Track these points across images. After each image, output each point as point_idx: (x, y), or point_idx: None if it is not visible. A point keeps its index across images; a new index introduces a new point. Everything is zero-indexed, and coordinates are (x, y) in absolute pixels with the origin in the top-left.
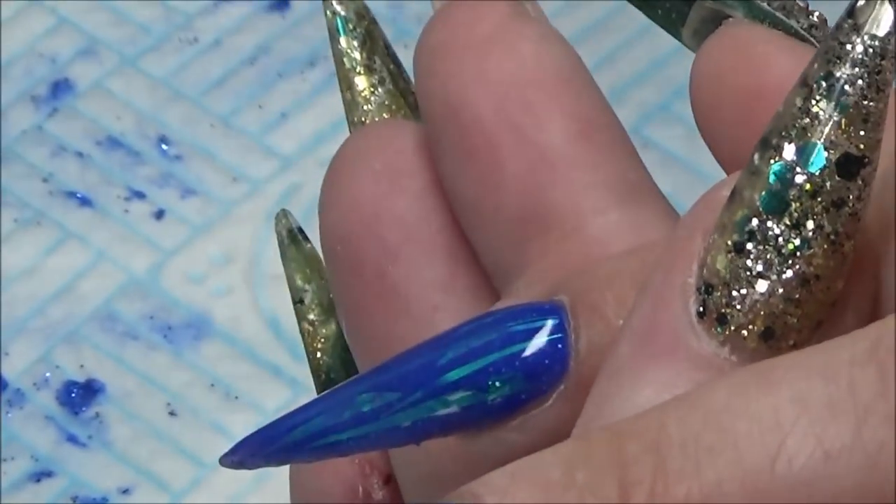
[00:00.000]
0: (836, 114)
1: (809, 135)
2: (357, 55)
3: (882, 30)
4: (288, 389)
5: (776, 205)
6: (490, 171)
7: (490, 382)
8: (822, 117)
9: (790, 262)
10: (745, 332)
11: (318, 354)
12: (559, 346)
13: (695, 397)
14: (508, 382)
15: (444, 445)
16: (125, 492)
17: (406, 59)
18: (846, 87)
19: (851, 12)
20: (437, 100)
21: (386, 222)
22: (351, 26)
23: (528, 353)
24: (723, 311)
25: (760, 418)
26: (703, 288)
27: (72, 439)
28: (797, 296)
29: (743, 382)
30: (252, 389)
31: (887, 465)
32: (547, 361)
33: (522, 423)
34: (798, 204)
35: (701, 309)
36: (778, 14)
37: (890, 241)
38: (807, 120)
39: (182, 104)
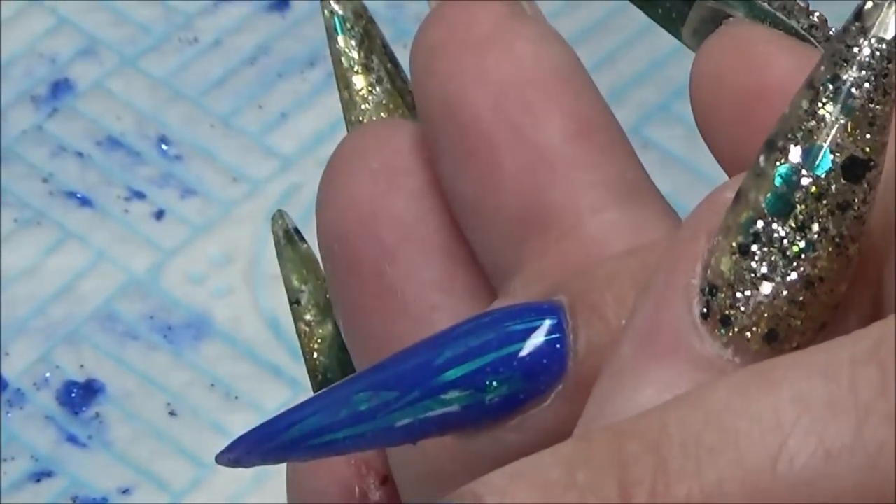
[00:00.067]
0: (842, 117)
1: (815, 137)
2: (355, 54)
3: (889, 33)
4: (288, 389)
5: (781, 207)
6: (488, 170)
7: (488, 382)
8: (828, 120)
9: (795, 264)
10: (748, 334)
11: (315, 355)
12: (557, 345)
13: (695, 397)
14: (506, 382)
15: (442, 445)
16: (125, 492)
17: (405, 58)
18: (853, 90)
19: (859, 15)
20: (435, 99)
21: (384, 222)
22: (348, 25)
23: (525, 352)
24: (726, 312)
25: (761, 418)
26: (706, 289)
27: (72, 439)
28: (801, 298)
29: (744, 382)
30: (252, 389)
31: (888, 464)
32: (545, 361)
33: (520, 423)
34: (803, 206)
35: (704, 310)
36: (778, 14)
37: (893, 244)
38: (813, 122)
39: (182, 104)
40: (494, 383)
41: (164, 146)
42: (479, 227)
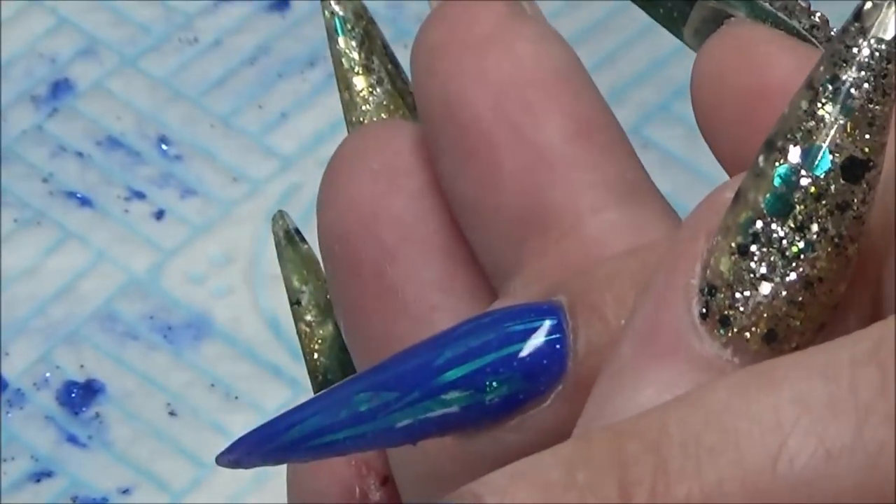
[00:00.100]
0: (841, 117)
1: (815, 138)
2: (355, 55)
3: (888, 33)
4: (288, 389)
5: (780, 207)
6: (488, 170)
7: (488, 382)
8: (827, 120)
9: (794, 264)
10: (747, 335)
11: (315, 356)
12: (557, 346)
13: (695, 397)
14: (506, 382)
15: (442, 445)
16: (125, 492)
17: (405, 58)
18: (852, 90)
19: (858, 16)
20: (435, 99)
21: (384, 222)
22: (349, 26)
23: (525, 353)
24: (726, 312)
25: (761, 418)
26: (706, 289)
27: (72, 439)
28: (800, 298)
29: (744, 383)
30: (252, 389)
31: (888, 465)
32: (545, 361)
33: (520, 424)
34: (802, 207)
35: (704, 310)
36: (780, 14)
37: (892, 244)
38: (812, 123)
39: (182, 104)
40: (494, 384)
41: (164, 146)
42: (478, 227)
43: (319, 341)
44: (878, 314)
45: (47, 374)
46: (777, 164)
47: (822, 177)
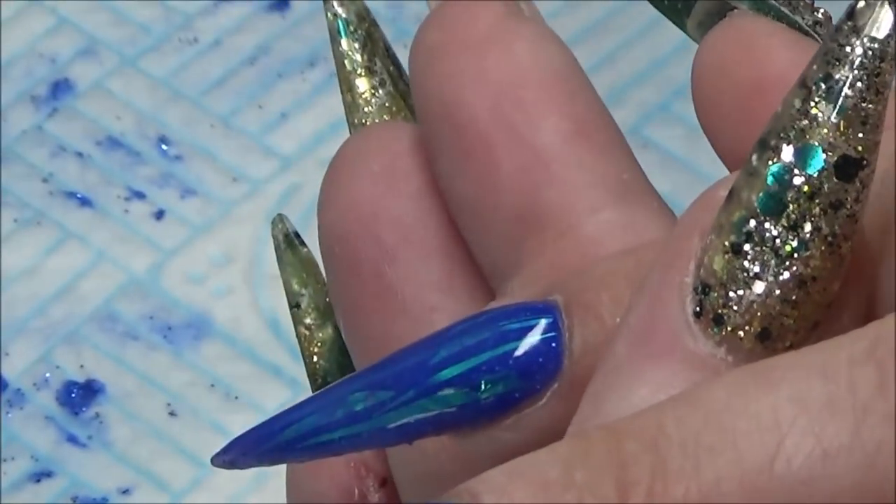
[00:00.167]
0: (834, 116)
1: (808, 136)
2: (358, 57)
3: (882, 32)
4: (288, 389)
5: (774, 206)
6: (485, 170)
7: (483, 381)
8: (820, 119)
9: (787, 263)
10: (741, 333)
11: (315, 358)
12: (553, 344)
13: (694, 397)
14: (502, 381)
15: (440, 444)
16: (125, 492)
17: (405, 58)
18: (845, 89)
19: (851, 14)
20: (432, 100)
21: (384, 223)
22: (352, 28)
23: (521, 351)
24: (719, 311)
25: (760, 418)
26: (699, 288)
27: (72, 439)
28: (794, 297)
29: (742, 382)
30: (252, 389)
31: (886, 464)
32: (540, 360)
33: (516, 422)
34: (796, 205)
35: (697, 309)
36: (783, 9)
37: (887, 243)
38: (805, 122)
39: (182, 104)
40: (490, 382)
41: (164, 146)
42: (476, 228)
43: (319, 344)
44: (872, 312)
45: (47, 375)
46: (770, 162)
47: (815, 175)
